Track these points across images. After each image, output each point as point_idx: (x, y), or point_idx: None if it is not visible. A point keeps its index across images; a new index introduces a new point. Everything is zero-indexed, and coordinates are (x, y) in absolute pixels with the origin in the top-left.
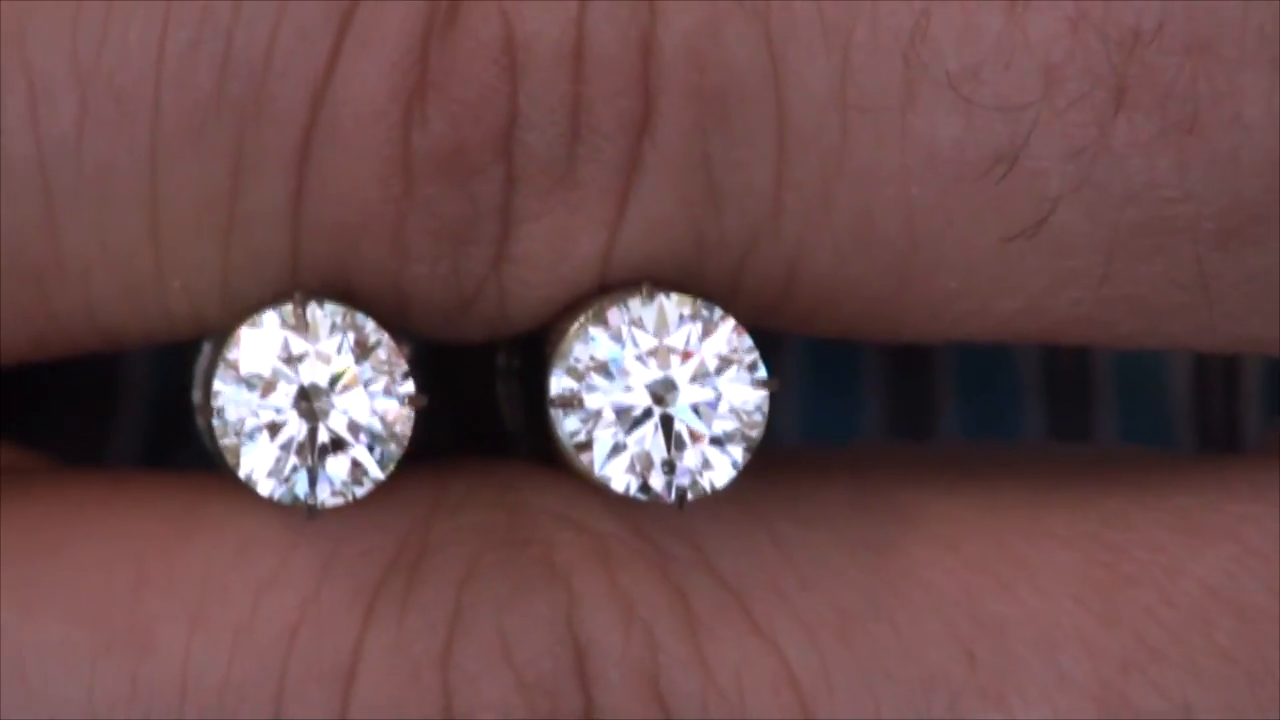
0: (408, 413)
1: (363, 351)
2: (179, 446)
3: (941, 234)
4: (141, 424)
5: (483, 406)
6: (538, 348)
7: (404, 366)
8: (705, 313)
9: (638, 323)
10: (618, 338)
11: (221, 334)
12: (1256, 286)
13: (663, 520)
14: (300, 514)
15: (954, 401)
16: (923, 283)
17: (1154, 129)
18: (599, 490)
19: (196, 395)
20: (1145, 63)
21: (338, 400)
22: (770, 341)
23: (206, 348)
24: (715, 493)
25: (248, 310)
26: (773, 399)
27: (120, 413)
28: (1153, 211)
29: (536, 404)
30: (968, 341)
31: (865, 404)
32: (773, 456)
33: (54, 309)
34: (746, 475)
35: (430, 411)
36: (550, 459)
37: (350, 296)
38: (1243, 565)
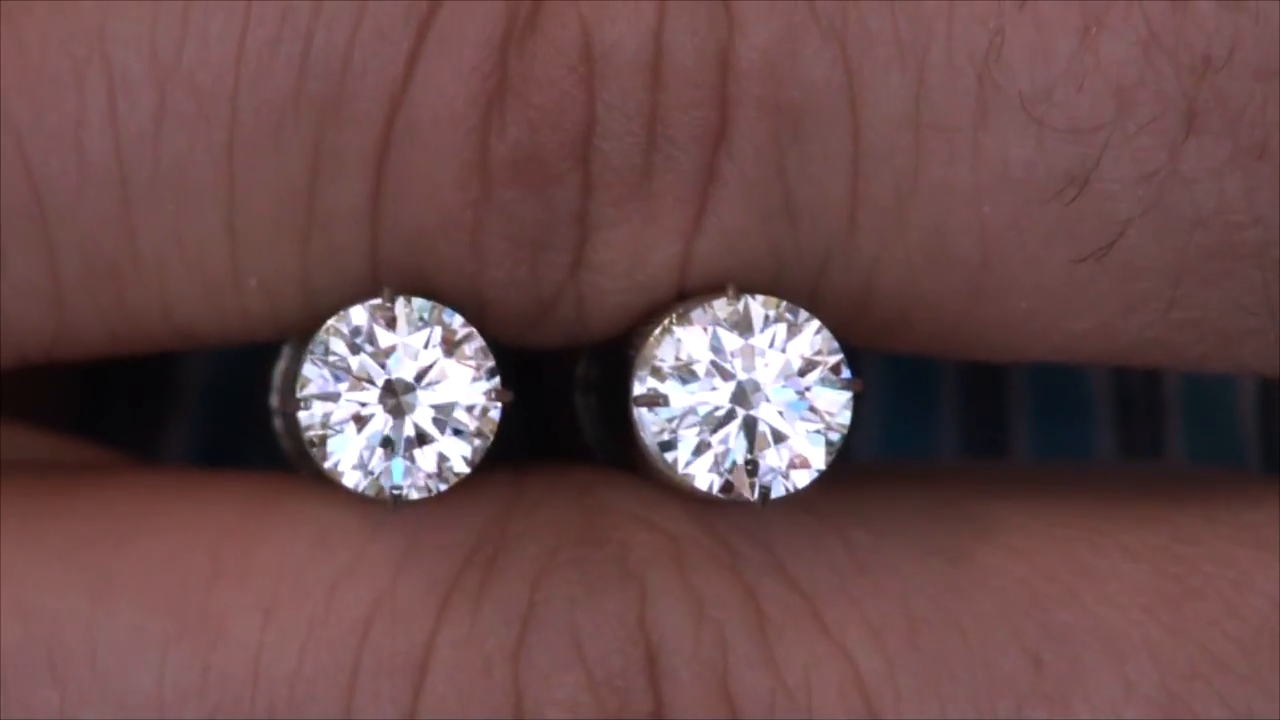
0: (494, 407)
1: (450, 346)
2: (231, 456)
3: (1013, 253)
4: (194, 432)
5: (562, 420)
6: (617, 358)
7: (491, 362)
8: (790, 314)
9: (722, 323)
10: (702, 338)
11: (303, 335)
12: None
13: (736, 524)
14: (379, 507)
15: (1028, 421)
16: (994, 301)
17: (1224, 154)
18: (679, 492)
19: (274, 399)
20: (1216, 88)
21: (424, 394)
22: (849, 355)
23: (286, 350)
24: (796, 494)
25: (327, 311)
26: (853, 417)
27: (171, 419)
28: (1221, 236)
29: (615, 413)
30: (1040, 362)
31: (942, 423)
32: (848, 469)
33: (130, 305)
34: (821, 484)
35: (511, 423)
36: (628, 468)
37: (429, 299)
38: None
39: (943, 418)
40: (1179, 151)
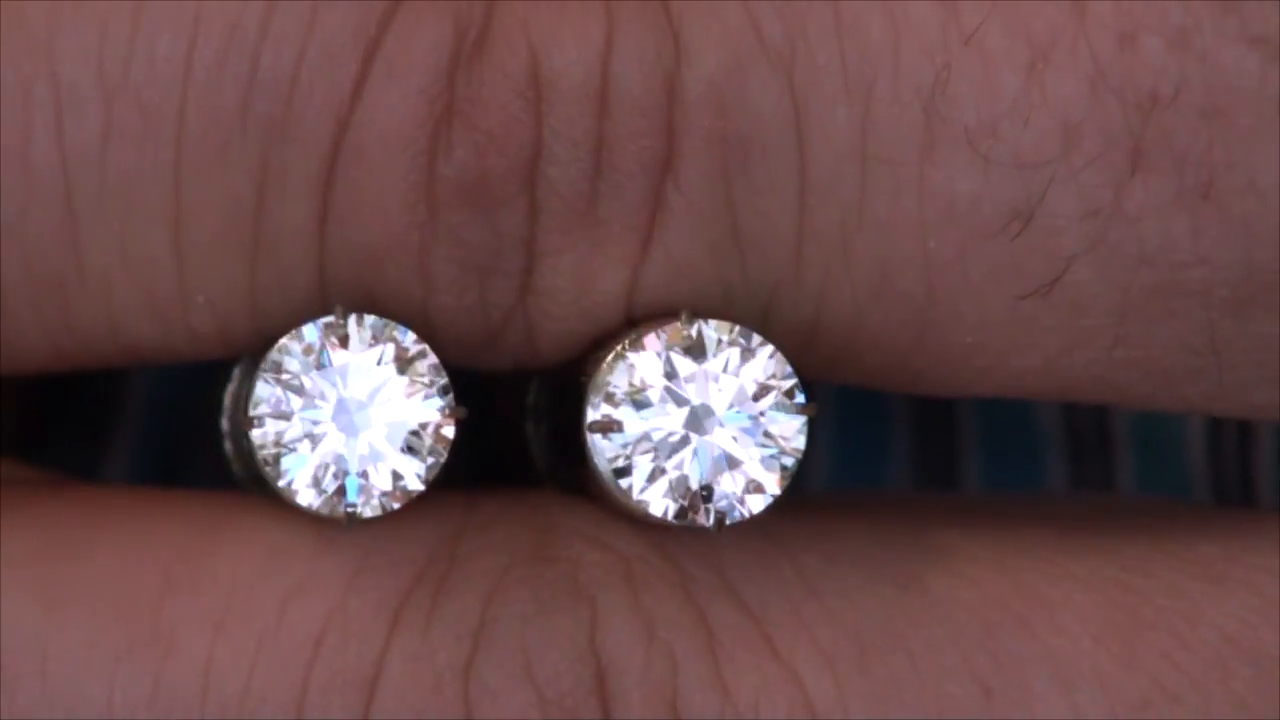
0: (448, 424)
1: (403, 363)
2: (175, 479)
3: (958, 288)
4: (138, 455)
5: (512, 450)
6: (568, 384)
7: (444, 379)
8: (743, 339)
9: (675, 348)
10: (656, 363)
11: (254, 356)
12: (1268, 354)
13: (689, 546)
14: (332, 524)
15: (979, 455)
16: (940, 336)
17: (1169, 193)
18: (633, 516)
19: (224, 422)
20: (1162, 126)
21: (377, 412)
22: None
23: (237, 372)
24: (751, 519)
25: (275, 330)
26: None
27: (115, 442)
28: (1166, 275)
29: (567, 440)
30: (988, 397)
31: (893, 457)
32: (801, 499)
33: (75, 319)
34: (773, 510)
35: (461, 451)
36: (581, 494)
37: None
38: (1262, 616)
39: (894, 452)
40: (1124, 189)
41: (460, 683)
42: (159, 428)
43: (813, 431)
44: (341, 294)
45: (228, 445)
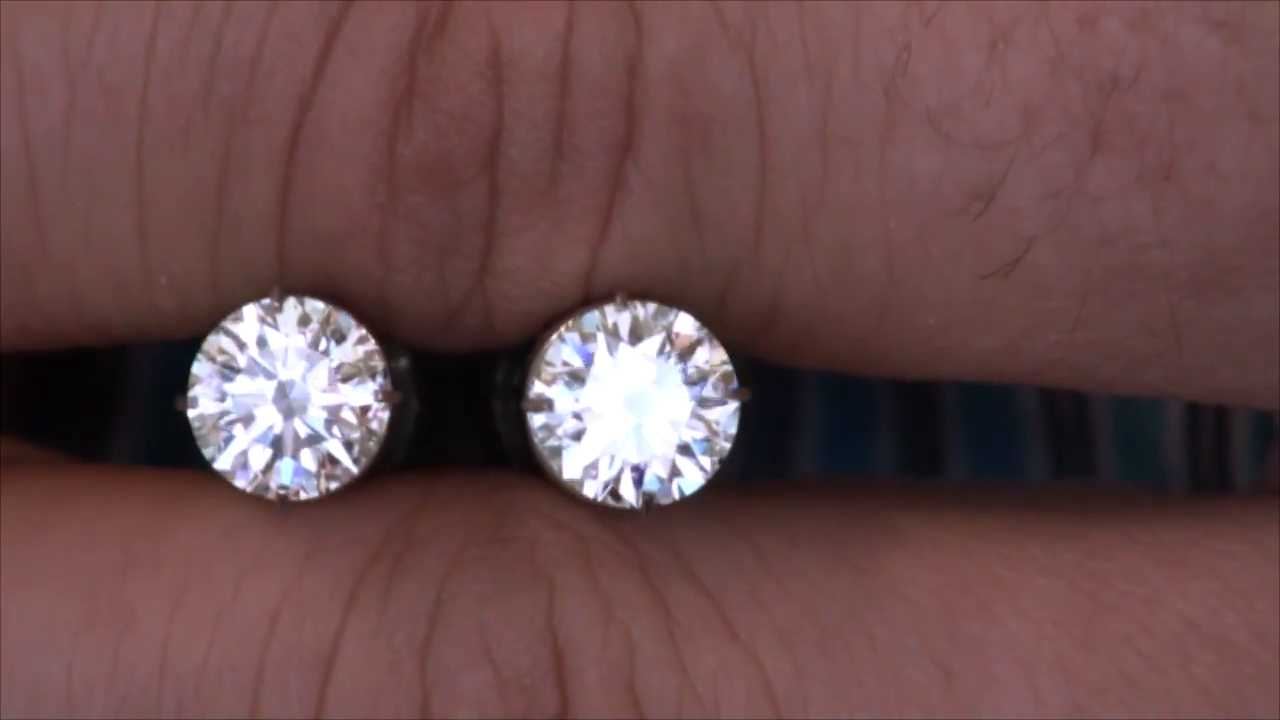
0: (383, 408)
1: (341, 347)
2: (178, 458)
3: (919, 269)
4: (142, 433)
5: (486, 424)
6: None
7: (381, 363)
8: (679, 324)
9: (612, 330)
10: (592, 344)
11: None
12: (1229, 337)
13: (647, 528)
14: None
15: (963, 445)
16: (901, 317)
17: (1130, 174)
18: (572, 496)
19: None
20: (1123, 107)
21: (314, 395)
22: (787, 379)
23: None
24: (686, 500)
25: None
26: (789, 437)
27: (121, 422)
28: (1127, 257)
29: (521, 418)
30: (956, 381)
31: (879, 447)
32: (764, 483)
33: (39, 299)
34: (731, 493)
35: (438, 427)
36: (539, 472)
37: (337, 303)
38: (1224, 602)
39: (880, 442)
40: (1085, 170)
41: (417, 662)
42: (161, 412)
43: (802, 419)
44: (301, 275)
45: None
